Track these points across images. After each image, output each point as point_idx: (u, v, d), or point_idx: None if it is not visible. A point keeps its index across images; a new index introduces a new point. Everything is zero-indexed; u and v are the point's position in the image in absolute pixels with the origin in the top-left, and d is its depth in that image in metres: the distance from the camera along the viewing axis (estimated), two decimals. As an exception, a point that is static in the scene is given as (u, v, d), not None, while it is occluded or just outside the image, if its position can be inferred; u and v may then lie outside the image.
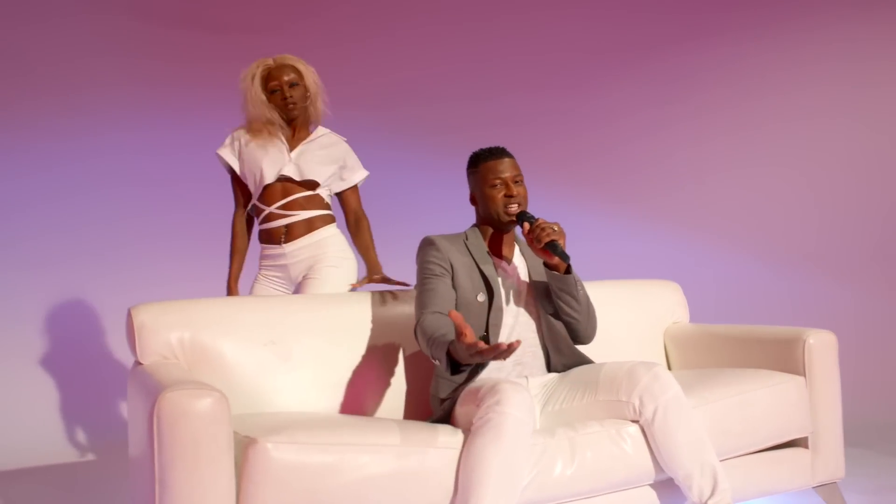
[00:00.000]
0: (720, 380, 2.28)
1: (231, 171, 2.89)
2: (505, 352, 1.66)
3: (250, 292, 2.92)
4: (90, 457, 3.90)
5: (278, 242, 2.82)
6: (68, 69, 4.69)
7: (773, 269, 5.12)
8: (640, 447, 2.00)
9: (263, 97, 2.78)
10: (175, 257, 4.64)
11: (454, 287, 2.15)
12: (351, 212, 2.96)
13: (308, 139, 2.87)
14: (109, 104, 4.75)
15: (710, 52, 5.32)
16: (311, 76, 2.82)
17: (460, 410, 1.98)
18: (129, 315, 2.15)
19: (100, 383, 4.42)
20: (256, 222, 2.93)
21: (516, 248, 2.32)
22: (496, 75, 5.40)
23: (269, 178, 2.79)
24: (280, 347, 2.24)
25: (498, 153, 2.22)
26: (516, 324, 2.20)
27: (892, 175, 5.03)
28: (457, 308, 2.14)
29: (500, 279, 2.20)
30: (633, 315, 2.82)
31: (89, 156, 4.68)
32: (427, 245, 2.21)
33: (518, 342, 1.66)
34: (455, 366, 1.87)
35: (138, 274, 4.56)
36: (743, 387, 2.24)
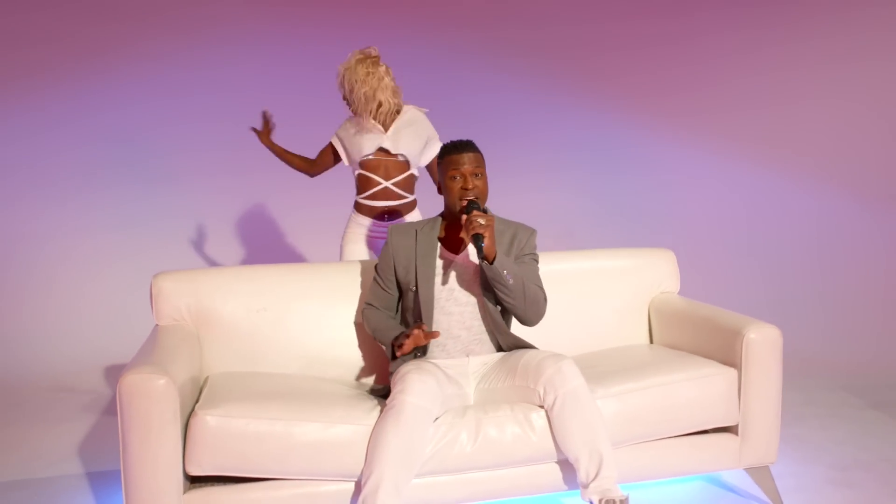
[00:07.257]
0: (648, 369, 2.46)
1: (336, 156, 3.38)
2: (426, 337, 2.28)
3: (344, 251, 3.31)
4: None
5: (381, 219, 3.25)
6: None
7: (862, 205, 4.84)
8: (544, 430, 2.26)
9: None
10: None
11: (396, 278, 2.49)
12: None
13: (398, 119, 3.24)
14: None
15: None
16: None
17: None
18: (152, 283, 2.64)
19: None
20: (358, 195, 3.31)
21: None
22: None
23: (369, 150, 3.19)
24: (271, 314, 2.65)
25: (461, 147, 2.40)
26: (462, 310, 2.43)
27: None
28: (399, 297, 2.49)
29: (438, 272, 2.44)
30: (619, 285, 2.95)
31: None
32: (388, 237, 2.51)
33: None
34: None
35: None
36: (666, 378, 2.40)
